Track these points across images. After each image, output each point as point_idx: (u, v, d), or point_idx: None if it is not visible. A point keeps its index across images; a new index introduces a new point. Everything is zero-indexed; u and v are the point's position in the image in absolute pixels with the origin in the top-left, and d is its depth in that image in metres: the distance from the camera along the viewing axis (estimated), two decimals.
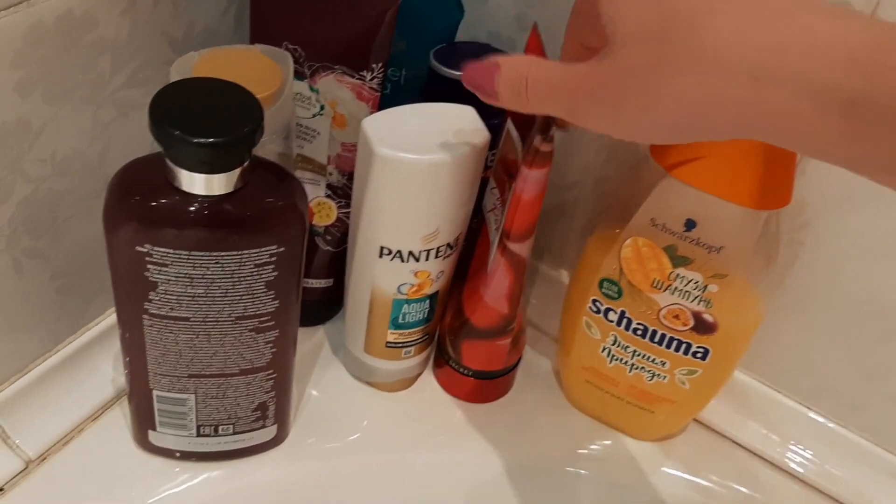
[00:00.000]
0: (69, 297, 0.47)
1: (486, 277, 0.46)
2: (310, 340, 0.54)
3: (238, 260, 0.37)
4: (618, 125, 0.31)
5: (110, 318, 0.50)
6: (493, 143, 0.46)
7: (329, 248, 0.51)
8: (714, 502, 0.50)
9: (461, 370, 0.51)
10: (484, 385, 0.52)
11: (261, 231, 0.37)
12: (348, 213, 0.48)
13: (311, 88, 0.45)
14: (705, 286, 0.43)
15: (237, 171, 0.36)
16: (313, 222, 0.50)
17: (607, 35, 0.30)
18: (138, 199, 0.36)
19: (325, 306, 0.54)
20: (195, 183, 0.35)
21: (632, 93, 0.29)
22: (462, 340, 0.49)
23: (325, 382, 0.52)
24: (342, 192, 0.49)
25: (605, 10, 0.30)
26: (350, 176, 0.48)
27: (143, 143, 0.45)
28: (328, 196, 0.49)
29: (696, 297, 0.43)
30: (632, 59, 0.29)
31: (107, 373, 0.49)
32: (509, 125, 0.41)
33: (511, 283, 0.45)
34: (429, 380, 0.54)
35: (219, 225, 0.37)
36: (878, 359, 0.48)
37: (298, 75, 0.44)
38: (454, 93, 0.45)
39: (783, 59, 0.26)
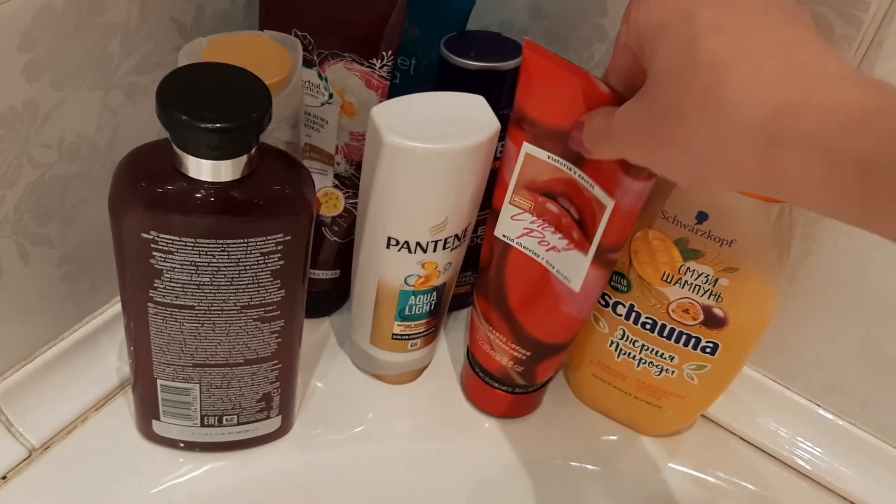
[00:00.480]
0: (75, 285, 0.47)
1: (571, 297, 0.43)
2: (316, 332, 0.54)
3: (244, 248, 0.37)
4: (650, 163, 0.32)
5: (116, 306, 0.49)
6: (502, 134, 0.45)
7: (336, 238, 0.50)
8: (722, 499, 0.50)
9: (531, 390, 0.50)
10: (536, 395, 0.51)
11: (267, 219, 0.37)
12: (356, 203, 0.48)
13: (320, 76, 0.44)
14: (716, 280, 0.42)
15: (244, 158, 0.35)
16: (320, 212, 0.50)
17: (646, 71, 0.31)
18: (144, 186, 0.36)
19: (331, 298, 0.54)
20: (202, 169, 0.35)
21: (655, 134, 0.30)
22: (539, 364, 0.47)
23: (331, 374, 0.52)
24: (350, 183, 0.48)
25: (646, 48, 0.31)
26: (358, 166, 0.47)
27: (152, 129, 0.45)
28: (336, 186, 0.49)
29: (706, 291, 0.43)
30: (657, 103, 0.30)
31: (112, 361, 0.49)
32: (528, 148, 0.41)
33: (601, 288, 0.43)
34: (434, 373, 0.53)
35: (225, 212, 0.36)
36: (891, 356, 0.47)
37: (307, 63, 0.44)
38: (465, 82, 0.45)
39: (798, 121, 0.26)
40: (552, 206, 0.42)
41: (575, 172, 0.40)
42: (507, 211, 0.43)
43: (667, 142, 0.30)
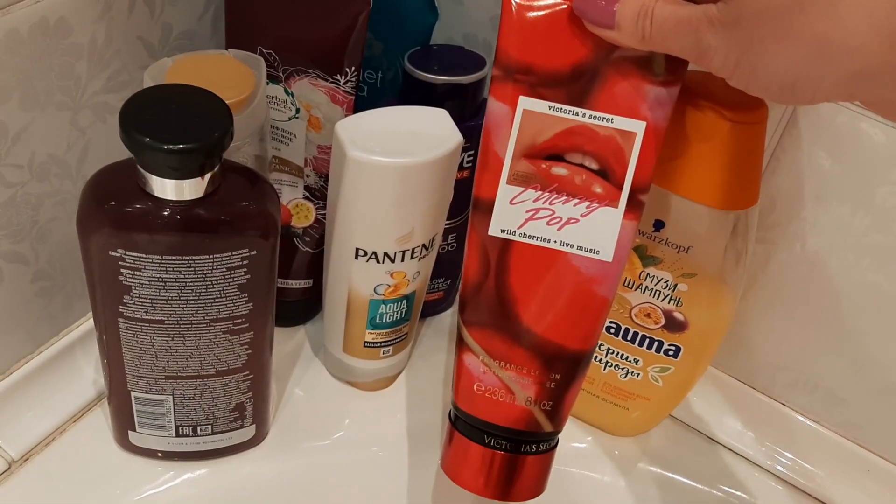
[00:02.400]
0: (50, 300, 0.48)
1: (604, 272, 0.37)
2: (291, 340, 0.54)
3: (210, 264, 0.38)
4: (740, 66, 0.30)
5: (91, 320, 0.50)
6: (467, 145, 0.46)
7: (308, 249, 0.51)
8: (690, 498, 0.51)
9: (553, 444, 0.41)
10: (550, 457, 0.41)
11: (232, 235, 0.38)
12: (326, 214, 0.49)
13: (287, 92, 0.45)
14: (675, 285, 0.43)
15: (207, 177, 0.36)
16: (292, 224, 0.50)
17: None
18: (111, 206, 0.37)
19: (305, 306, 0.55)
20: (166, 188, 0.36)
21: (764, 31, 0.29)
22: (568, 389, 0.38)
23: (306, 382, 0.53)
24: (320, 194, 0.49)
25: None
26: (327, 178, 0.48)
27: (122, 146, 0.46)
28: (306, 198, 0.50)
29: (666, 296, 0.44)
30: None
31: (88, 374, 0.50)
32: (525, 102, 0.35)
33: (630, 248, 0.37)
34: (408, 379, 0.54)
35: (190, 229, 0.37)
36: (852, 355, 0.48)
37: (274, 79, 0.45)
38: (428, 95, 0.46)
39: None
40: (560, 170, 0.36)
41: (584, 115, 0.35)
42: (504, 195, 0.37)
43: (773, 38, 0.29)
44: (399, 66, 0.48)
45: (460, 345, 0.39)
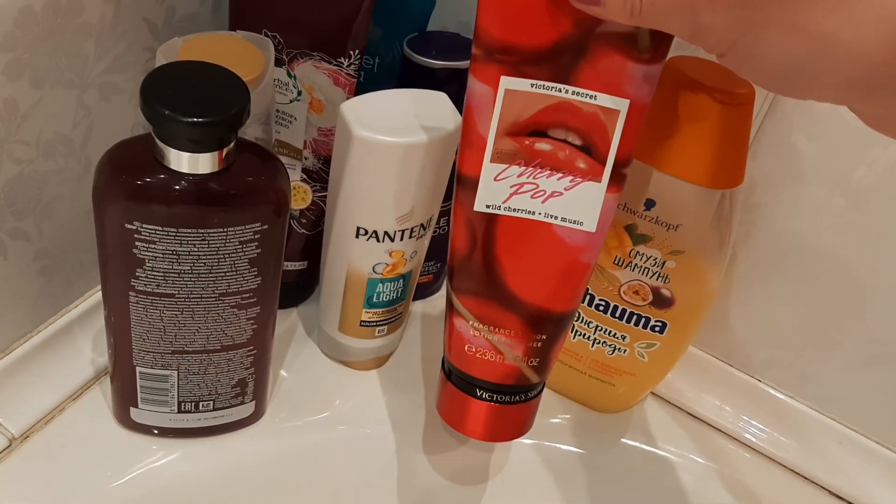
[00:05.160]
0: (51, 279, 0.48)
1: (587, 241, 0.38)
2: (284, 322, 0.55)
3: (223, 237, 0.39)
4: (736, 48, 0.29)
5: (91, 299, 0.51)
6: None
7: (304, 231, 0.53)
8: (672, 471, 0.53)
9: (540, 389, 0.43)
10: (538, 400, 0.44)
11: (245, 209, 0.39)
12: (323, 196, 0.50)
13: (289, 74, 0.47)
14: (663, 262, 0.45)
15: (224, 151, 0.37)
16: None
17: None
18: (127, 178, 0.38)
19: (299, 289, 0.56)
20: (183, 161, 0.37)
21: (767, 16, 0.28)
22: (553, 345, 0.41)
23: (300, 362, 0.54)
24: (317, 177, 0.50)
25: None
26: (325, 160, 0.49)
27: (125, 126, 0.47)
28: (304, 180, 0.51)
29: (654, 273, 0.46)
30: None
31: (87, 353, 0.50)
32: (507, 82, 0.35)
33: (612, 217, 0.38)
34: (400, 358, 0.55)
35: (205, 202, 0.38)
36: (825, 332, 0.51)
37: (277, 61, 0.46)
38: (427, 79, 0.47)
39: None
40: (543, 145, 0.36)
41: (567, 91, 0.35)
42: (488, 173, 0.37)
43: (779, 26, 0.28)
44: (396, 52, 0.50)
45: (451, 308, 0.41)
